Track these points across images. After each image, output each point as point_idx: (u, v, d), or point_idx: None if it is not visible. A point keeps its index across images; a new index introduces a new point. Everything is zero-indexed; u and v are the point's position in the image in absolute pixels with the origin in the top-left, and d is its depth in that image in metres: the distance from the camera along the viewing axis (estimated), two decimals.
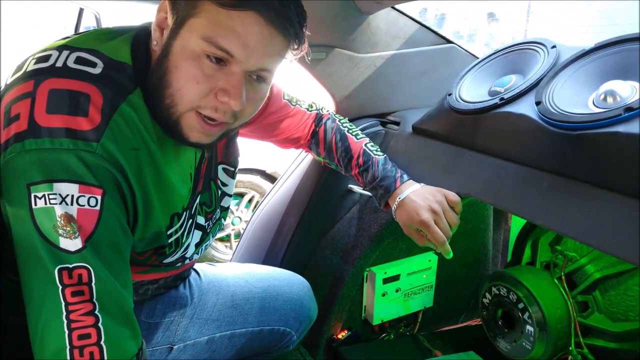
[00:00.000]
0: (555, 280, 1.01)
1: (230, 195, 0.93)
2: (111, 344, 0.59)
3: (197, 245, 0.86)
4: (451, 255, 0.91)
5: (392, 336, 1.26)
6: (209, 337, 0.93)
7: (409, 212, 0.92)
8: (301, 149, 1.13)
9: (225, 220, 0.95)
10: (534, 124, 0.83)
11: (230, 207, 2.71)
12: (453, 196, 0.93)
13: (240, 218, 2.75)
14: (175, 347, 0.90)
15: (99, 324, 0.59)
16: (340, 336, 1.20)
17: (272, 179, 2.72)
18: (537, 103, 0.84)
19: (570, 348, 0.98)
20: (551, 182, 0.80)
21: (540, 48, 0.96)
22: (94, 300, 0.59)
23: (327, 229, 1.23)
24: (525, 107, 0.87)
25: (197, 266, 1.02)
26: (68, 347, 0.58)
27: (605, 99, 0.78)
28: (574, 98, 0.82)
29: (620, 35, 0.83)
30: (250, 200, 2.75)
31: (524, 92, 0.89)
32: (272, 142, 1.07)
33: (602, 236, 0.70)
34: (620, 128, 0.71)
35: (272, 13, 0.62)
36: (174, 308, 0.91)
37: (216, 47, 0.61)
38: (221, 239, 2.77)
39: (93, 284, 0.59)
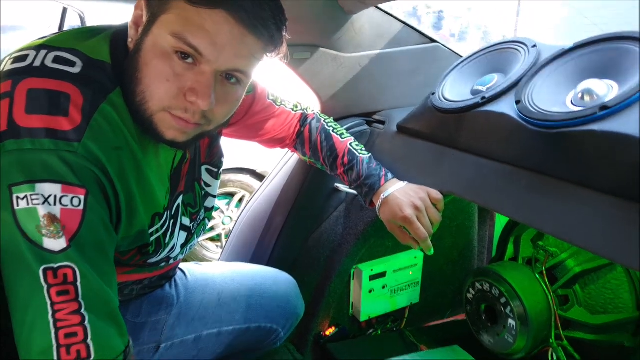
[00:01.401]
0: (537, 275, 1.03)
1: (214, 196, 0.94)
2: (98, 342, 0.60)
3: (183, 246, 0.87)
4: (432, 251, 0.92)
5: (379, 332, 1.27)
6: (195, 335, 0.94)
7: (392, 208, 0.93)
8: (287, 149, 1.14)
9: (209, 220, 0.95)
10: (514, 122, 0.84)
11: (221, 206, 2.73)
12: (435, 194, 0.94)
13: (230, 218, 2.76)
14: (162, 345, 0.91)
15: (85, 323, 0.60)
16: (328, 333, 1.22)
17: (262, 178, 2.73)
18: (517, 102, 0.85)
19: (551, 340, 1.00)
20: (530, 180, 0.82)
21: (522, 47, 0.98)
22: (80, 299, 0.60)
23: (314, 228, 1.24)
24: (506, 106, 0.88)
25: (183, 265, 1.02)
26: (55, 345, 0.58)
27: (582, 97, 0.79)
28: (553, 97, 0.84)
29: (598, 34, 0.85)
30: (240, 200, 2.76)
31: (505, 91, 0.91)
32: (258, 142, 1.07)
33: (578, 232, 0.72)
34: (596, 126, 0.72)
35: (243, 13, 0.62)
36: (160, 307, 0.92)
37: (184, 43, 0.61)
38: (212, 239, 2.77)
39: (78, 283, 0.60)
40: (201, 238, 2.70)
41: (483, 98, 0.92)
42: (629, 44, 0.79)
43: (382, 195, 0.96)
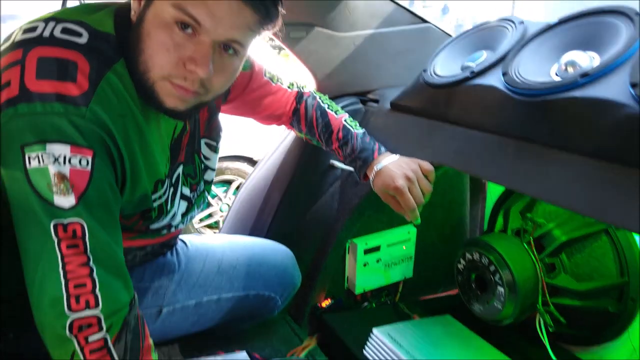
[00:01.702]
0: (525, 245, 1.07)
1: (213, 170, 0.97)
2: (105, 293, 0.64)
3: (183, 215, 0.91)
4: (419, 221, 0.95)
5: (373, 305, 1.31)
6: (196, 301, 0.98)
7: (384, 180, 0.96)
8: (283, 126, 1.17)
9: (209, 193, 0.99)
10: (501, 94, 0.88)
11: (218, 194, 2.77)
12: (427, 165, 0.98)
13: (228, 205, 2.80)
14: (165, 310, 0.95)
15: (94, 275, 0.63)
16: (324, 304, 1.26)
17: None
18: (504, 74, 0.89)
19: (538, 306, 1.04)
20: (516, 147, 0.86)
21: (510, 24, 1.02)
22: (88, 253, 0.63)
23: (310, 204, 1.28)
24: (494, 79, 0.92)
25: (183, 236, 1.06)
26: (65, 295, 0.62)
27: (566, 68, 0.83)
28: (538, 69, 0.87)
29: (581, 9, 0.89)
30: (238, 187, 2.79)
31: (493, 65, 0.95)
32: (255, 119, 1.11)
33: (561, 193, 0.76)
34: (577, 93, 0.76)
35: None
36: (162, 273, 0.96)
37: (184, 14, 0.64)
38: (210, 226, 2.81)
39: (86, 238, 0.63)
40: (199, 225, 2.75)
41: (472, 72, 0.96)
42: (610, 17, 0.83)
43: (375, 168, 0.99)
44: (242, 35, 0.69)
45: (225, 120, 0.99)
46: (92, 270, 0.64)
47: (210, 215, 2.78)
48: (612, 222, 0.72)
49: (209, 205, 2.77)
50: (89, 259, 0.64)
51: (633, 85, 0.68)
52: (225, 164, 2.70)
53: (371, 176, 1.00)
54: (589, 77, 0.76)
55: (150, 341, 0.71)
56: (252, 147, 2.70)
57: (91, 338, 0.63)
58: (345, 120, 1.06)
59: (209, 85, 0.71)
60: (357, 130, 1.05)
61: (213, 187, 0.94)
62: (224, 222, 1.43)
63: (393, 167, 0.97)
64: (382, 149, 1.02)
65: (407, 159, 1.00)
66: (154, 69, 0.68)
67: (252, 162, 2.77)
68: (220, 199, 2.78)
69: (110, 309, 0.64)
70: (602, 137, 0.73)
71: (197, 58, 0.67)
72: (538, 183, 0.80)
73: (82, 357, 0.63)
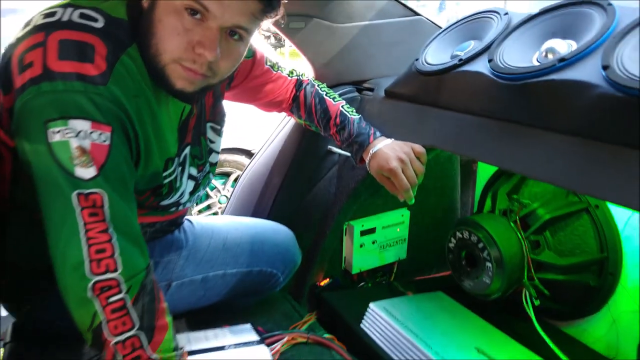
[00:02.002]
0: (511, 224, 1.14)
1: (217, 152, 1.03)
2: (124, 258, 0.69)
3: (191, 193, 0.97)
4: (413, 201, 1.02)
5: (369, 284, 1.38)
6: (203, 275, 1.04)
7: (379, 162, 1.03)
8: (284, 113, 1.23)
9: (213, 175, 1.05)
10: (487, 79, 0.94)
11: (217, 186, 2.82)
12: (419, 148, 1.04)
13: (227, 197, 2.85)
14: (174, 283, 1.01)
15: (113, 241, 0.69)
16: (322, 284, 1.32)
17: None
18: (489, 61, 0.95)
19: (524, 281, 1.11)
20: (502, 128, 0.92)
21: (495, 15, 1.08)
22: (108, 221, 0.69)
23: (309, 188, 1.34)
24: (480, 66, 0.98)
25: (190, 217, 1.12)
26: (87, 260, 0.67)
27: (546, 55, 0.90)
28: (521, 56, 0.94)
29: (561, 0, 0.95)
30: (236, 180, 2.85)
31: (479, 53, 1.01)
32: (257, 106, 1.16)
33: (542, 169, 0.83)
34: (555, 76, 0.82)
35: None
36: (170, 249, 1.01)
37: (194, 1, 0.69)
38: None
39: (106, 207, 0.69)
40: (199, 217, 2.80)
41: (460, 60, 1.02)
42: (585, 7, 0.89)
43: (371, 151, 1.05)
44: (246, 22, 0.75)
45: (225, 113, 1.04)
46: (111, 237, 0.69)
47: (209, 207, 2.83)
48: (589, 194, 0.78)
49: (207, 197, 2.83)
50: (109, 227, 0.69)
51: (604, 68, 0.75)
52: (224, 156, 2.75)
53: (367, 159, 1.06)
54: (566, 62, 0.82)
55: (165, 304, 0.76)
56: (250, 139, 2.75)
57: (111, 299, 0.69)
58: (342, 107, 1.12)
59: (215, 68, 0.77)
60: (354, 116, 1.11)
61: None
62: (223, 212, 1.49)
63: (387, 149, 1.03)
64: (377, 133, 1.08)
65: (400, 143, 1.06)
66: (165, 53, 0.73)
67: (250, 154, 2.82)
68: (219, 191, 2.84)
69: (129, 273, 0.70)
70: (578, 116, 0.79)
71: (205, 42, 0.72)
72: (522, 161, 0.87)
73: (103, 317, 0.69)
